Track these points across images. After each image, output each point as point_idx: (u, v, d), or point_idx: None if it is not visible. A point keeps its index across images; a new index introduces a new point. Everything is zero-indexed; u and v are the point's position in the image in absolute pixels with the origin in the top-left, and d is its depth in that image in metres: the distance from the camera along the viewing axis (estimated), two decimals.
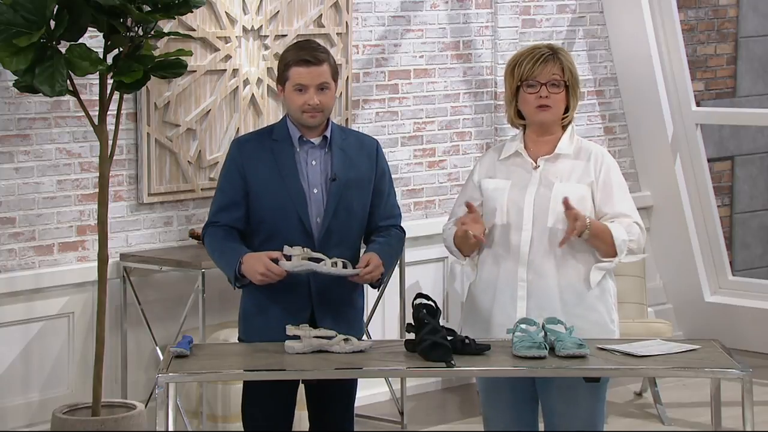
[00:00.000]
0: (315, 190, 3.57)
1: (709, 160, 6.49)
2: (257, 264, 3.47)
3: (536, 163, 3.58)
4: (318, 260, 3.49)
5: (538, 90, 3.54)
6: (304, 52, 3.54)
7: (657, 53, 6.31)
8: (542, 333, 3.42)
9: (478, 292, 3.59)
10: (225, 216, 3.60)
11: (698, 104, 6.58)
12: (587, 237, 3.48)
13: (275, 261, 3.48)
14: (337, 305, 3.58)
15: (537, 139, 3.60)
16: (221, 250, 3.57)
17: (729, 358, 3.42)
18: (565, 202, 3.46)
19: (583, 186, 3.56)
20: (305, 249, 3.49)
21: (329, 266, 3.47)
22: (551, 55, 3.56)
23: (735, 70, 7.80)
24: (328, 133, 3.61)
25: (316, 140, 3.60)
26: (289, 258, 3.48)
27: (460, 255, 3.62)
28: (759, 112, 7.39)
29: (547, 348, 3.38)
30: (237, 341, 3.72)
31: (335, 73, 3.59)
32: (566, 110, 3.59)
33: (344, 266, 3.50)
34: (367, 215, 3.64)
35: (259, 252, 3.51)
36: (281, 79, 3.59)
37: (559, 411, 3.54)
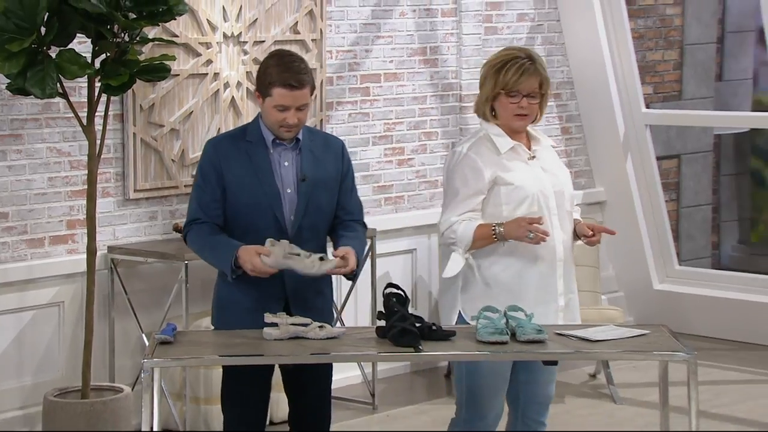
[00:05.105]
0: (288, 190, 3.54)
1: (657, 158, 6.51)
2: (247, 258, 3.42)
3: (532, 153, 3.62)
4: (297, 254, 3.43)
5: (519, 101, 3.55)
6: (289, 75, 3.45)
7: (609, 59, 6.32)
8: (504, 320, 3.41)
9: (509, 276, 3.54)
10: (205, 213, 3.55)
11: (647, 106, 6.59)
12: None
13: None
14: (309, 295, 3.55)
15: (511, 135, 3.64)
16: (212, 245, 3.52)
17: (676, 342, 3.43)
18: (590, 237, 3.58)
19: (569, 173, 3.73)
20: (286, 242, 3.43)
21: (309, 265, 3.41)
22: (532, 65, 3.55)
23: (681, 75, 7.83)
24: (300, 136, 3.58)
25: (289, 143, 3.57)
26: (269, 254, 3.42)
27: (469, 248, 3.55)
28: (703, 113, 7.43)
29: (509, 333, 3.37)
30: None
31: (313, 90, 3.54)
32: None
33: (321, 259, 3.45)
34: (334, 211, 3.62)
35: (248, 246, 3.44)
36: (263, 90, 3.52)
37: (544, 380, 3.64)
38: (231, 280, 3.49)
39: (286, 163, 3.55)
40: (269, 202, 3.51)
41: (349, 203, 3.64)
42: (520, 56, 3.55)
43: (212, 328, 3.68)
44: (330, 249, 3.62)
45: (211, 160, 3.56)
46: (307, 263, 3.42)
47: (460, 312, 3.60)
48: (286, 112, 3.48)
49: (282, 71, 3.47)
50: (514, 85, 3.53)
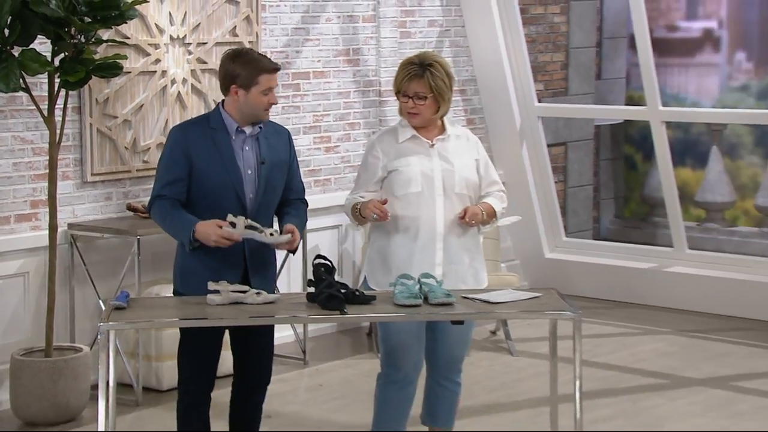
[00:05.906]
0: (249, 171, 3.50)
1: (548, 146, 6.57)
2: (210, 231, 3.37)
3: (432, 142, 3.59)
4: (255, 228, 3.40)
5: (407, 101, 3.56)
6: (268, 62, 3.47)
7: (507, 60, 6.35)
8: (418, 286, 3.40)
9: (396, 247, 3.55)
10: (170, 190, 3.47)
11: (539, 101, 6.64)
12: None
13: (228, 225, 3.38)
14: (264, 265, 3.52)
15: (422, 127, 3.62)
16: (172, 217, 3.45)
17: (563, 302, 3.46)
18: (461, 218, 3.52)
19: (472, 161, 3.64)
20: (246, 219, 3.40)
21: (267, 236, 3.39)
22: (420, 72, 3.53)
23: (567, 74, 7.90)
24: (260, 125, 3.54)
25: (248, 130, 3.52)
26: (233, 225, 3.38)
27: (353, 221, 3.61)
28: (585, 107, 7.51)
29: (422, 297, 3.37)
30: (171, 295, 3.60)
31: None
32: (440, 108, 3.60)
33: (271, 234, 3.42)
34: (283, 190, 3.59)
35: (207, 222, 3.40)
36: (246, 83, 3.45)
37: (455, 340, 3.64)
38: (189, 251, 3.43)
39: (246, 148, 3.51)
40: (232, 183, 3.47)
41: (295, 183, 3.64)
42: (413, 62, 3.56)
43: (162, 294, 3.61)
44: (276, 224, 3.58)
45: (180, 144, 3.48)
46: (266, 233, 3.39)
47: (365, 277, 3.63)
48: (270, 94, 3.48)
49: (259, 61, 3.47)
50: (400, 86, 3.56)
